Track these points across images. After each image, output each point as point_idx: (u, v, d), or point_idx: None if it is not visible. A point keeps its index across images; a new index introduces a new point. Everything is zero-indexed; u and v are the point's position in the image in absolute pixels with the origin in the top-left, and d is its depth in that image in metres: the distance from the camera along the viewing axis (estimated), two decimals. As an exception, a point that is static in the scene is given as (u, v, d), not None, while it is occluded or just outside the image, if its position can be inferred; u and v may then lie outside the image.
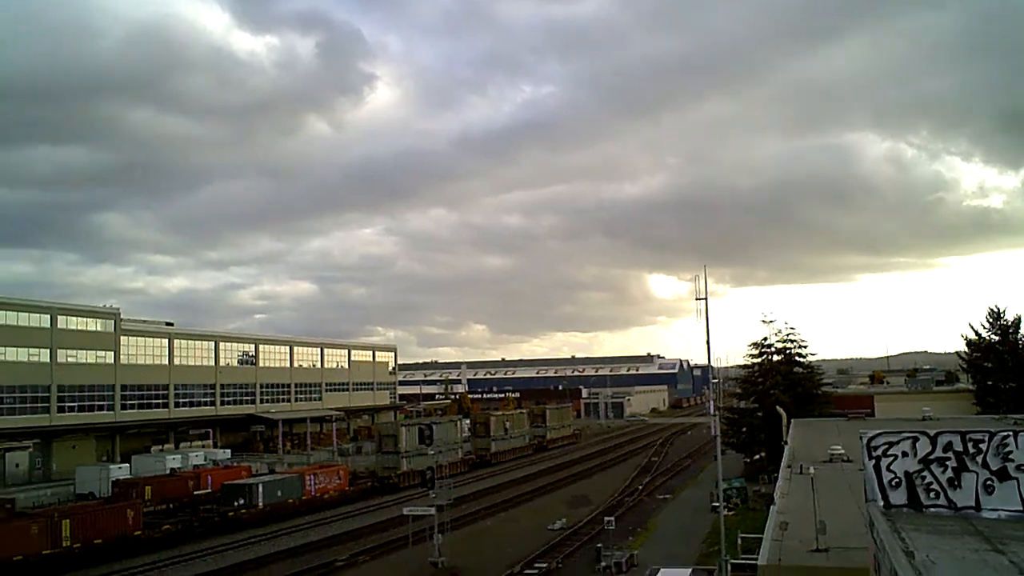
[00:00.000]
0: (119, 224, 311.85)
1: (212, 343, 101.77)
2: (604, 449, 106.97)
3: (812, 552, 20.65)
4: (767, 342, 72.44)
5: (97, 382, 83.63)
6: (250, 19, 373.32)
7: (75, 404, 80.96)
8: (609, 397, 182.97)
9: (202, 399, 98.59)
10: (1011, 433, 16.00)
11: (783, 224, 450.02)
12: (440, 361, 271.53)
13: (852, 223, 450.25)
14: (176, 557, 46.85)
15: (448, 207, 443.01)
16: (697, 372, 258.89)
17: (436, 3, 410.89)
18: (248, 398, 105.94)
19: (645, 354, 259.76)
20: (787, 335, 72.18)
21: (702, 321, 40.47)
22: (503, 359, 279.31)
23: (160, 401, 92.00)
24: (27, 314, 77.54)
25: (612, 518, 43.42)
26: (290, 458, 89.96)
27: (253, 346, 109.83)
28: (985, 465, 15.87)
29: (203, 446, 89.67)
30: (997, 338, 69.02)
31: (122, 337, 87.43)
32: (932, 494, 16.08)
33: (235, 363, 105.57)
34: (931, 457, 16.25)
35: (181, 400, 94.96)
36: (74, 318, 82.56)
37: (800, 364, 72.69)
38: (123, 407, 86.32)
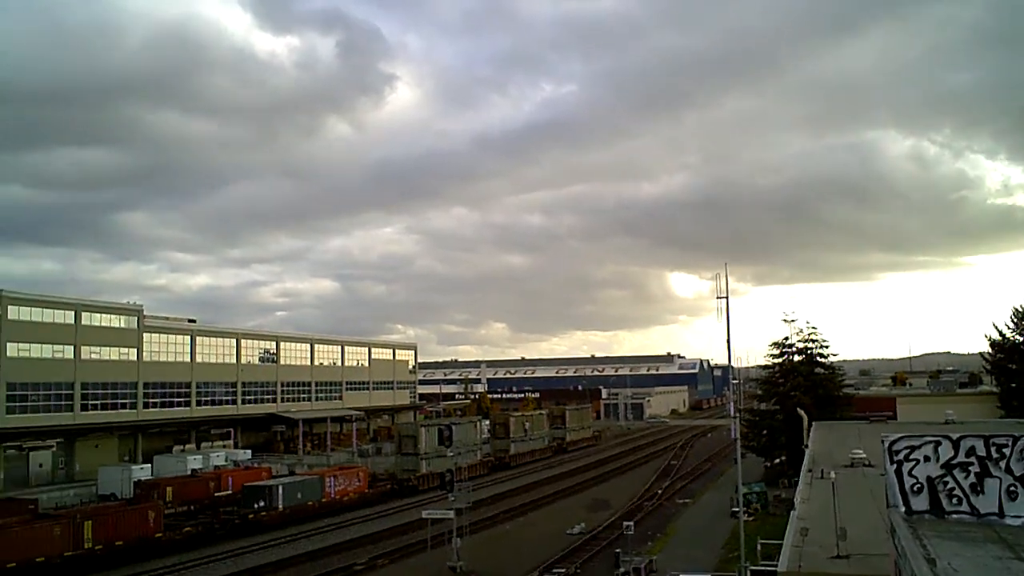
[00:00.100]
0: (143, 223, 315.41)
1: (233, 340, 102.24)
2: (624, 451, 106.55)
3: (833, 559, 20.38)
4: (788, 342, 71.76)
5: (120, 379, 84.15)
6: (271, 19, 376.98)
7: (98, 402, 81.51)
8: (629, 398, 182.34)
9: (223, 397, 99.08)
10: (1036, 438, 15.71)
11: (805, 222, 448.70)
12: (460, 360, 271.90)
13: (874, 221, 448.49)
14: (196, 559, 47.02)
15: (470, 206, 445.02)
16: (717, 372, 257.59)
17: (456, 1, 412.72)
18: (269, 397, 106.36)
19: (665, 354, 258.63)
20: (808, 335, 71.48)
21: (723, 320, 40.26)
22: (523, 358, 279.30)
23: (182, 399, 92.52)
24: (52, 310, 78.17)
25: (631, 523, 43.18)
26: (310, 459, 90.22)
27: (274, 343, 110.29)
28: (1009, 471, 15.59)
29: (224, 446, 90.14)
30: (1022, 339, 68.07)
31: (145, 334, 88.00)
32: (954, 500, 15.83)
33: (256, 361, 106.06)
34: (954, 462, 16.00)
35: (203, 398, 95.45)
36: (98, 314, 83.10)
37: (822, 365, 71.98)
38: (145, 405, 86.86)
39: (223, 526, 53.84)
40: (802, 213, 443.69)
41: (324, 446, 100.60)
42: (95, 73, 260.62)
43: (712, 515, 56.53)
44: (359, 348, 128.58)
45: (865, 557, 20.22)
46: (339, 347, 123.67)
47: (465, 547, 43.38)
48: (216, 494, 62.25)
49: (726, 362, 46.85)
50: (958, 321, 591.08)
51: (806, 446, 43.57)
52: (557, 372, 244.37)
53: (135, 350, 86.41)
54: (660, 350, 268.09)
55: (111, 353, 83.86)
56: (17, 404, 73.57)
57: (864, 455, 34.98)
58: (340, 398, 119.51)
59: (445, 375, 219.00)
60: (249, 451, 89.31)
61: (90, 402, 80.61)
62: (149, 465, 73.19)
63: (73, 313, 79.75)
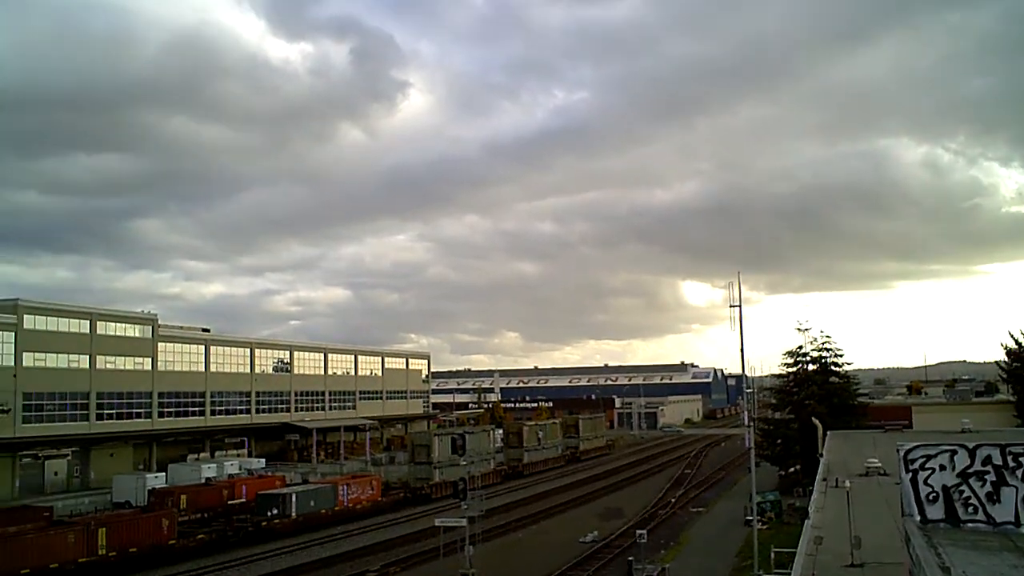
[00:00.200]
0: (157, 230, 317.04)
1: (247, 350, 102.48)
2: (637, 460, 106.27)
3: (847, 567, 20.25)
4: (802, 351, 71.50)
5: (135, 389, 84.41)
6: (285, 26, 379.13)
7: (113, 411, 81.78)
8: (643, 407, 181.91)
9: (238, 407, 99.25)
10: (1053, 447, 15.57)
11: (818, 230, 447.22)
12: (473, 369, 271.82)
13: (888, 229, 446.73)
14: (210, 566, 47.21)
15: (481, 213, 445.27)
16: (731, 382, 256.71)
17: (469, 8, 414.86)
18: (283, 406, 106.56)
19: (679, 363, 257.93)
20: (823, 344, 71.24)
21: (736, 329, 40.21)
22: (536, 367, 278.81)
23: (196, 409, 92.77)
24: (67, 319, 78.54)
25: (644, 531, 43.02)
26: (323, 468, 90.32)
27: (288, 353, 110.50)
28: (1025, 480, 15.47)
29: (238, 455, 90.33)
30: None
31: (159, 343, 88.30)
32: (970, 509, 15.68)
33: (270, 370, 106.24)
34: (970, 471, 15.85)
35: (217, 408, 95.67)
36: (113, 324, 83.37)
37: (836, 374, 71.65)
38: (160, 415, 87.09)
39: (236, 533, 54.01)
40: (815, 221, 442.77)
41: (337, 455, 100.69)
42: (110, 80, 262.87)
43: (726, 524, 56.31)
44: (372, 357, 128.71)
45: (880, 566, 20.10)
46: (352, 356, 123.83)
47: (477, 555, 43.29)
48: (230, 502, 62.42)
49: (740, 371, 46.74)
50: (974, 330, 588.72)
51: (821, 455, 43.38)
52: (570, 381, 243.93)
53: (150, 360, 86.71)
54: (673, 359, 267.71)
55: (126, 363, 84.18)
56: (33, 413, 73.90)
57: (879, 464, 34.79)
58: (353, 407, 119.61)
59: (458, 384, 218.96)
60: (263, 460, 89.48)
61: (105, 411, 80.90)
62: (163, 473, 73.45)
63: (88, 322, 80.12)
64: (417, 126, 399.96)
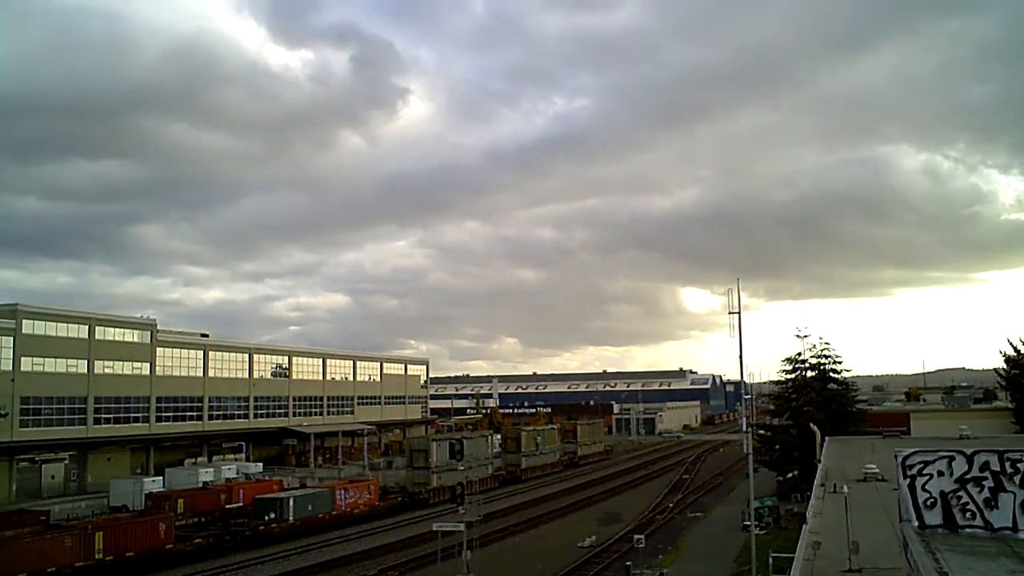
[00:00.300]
0: (156, 236, 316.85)
1: (246, 355, 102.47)
2: (635, 466, 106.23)
3: (845, 573, 20.28)
4: (801, 357, 71.60)
5: (133, 393, 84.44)
6: (285, 33, 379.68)
7: (111, 416, 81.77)
8: (641, 413, 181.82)
9: (236, 411, 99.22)
10: (1050, 453, 15.61)
11: (818, 237, 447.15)
12: (472, 375, 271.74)
13: (888, 236, 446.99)
14: (207, 570, 47.13)
15: (481, 220, 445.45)
16: (730, 388, 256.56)
17: (468, 16, 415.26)
18: (281, 411, 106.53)
19: (677, 369, 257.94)
20: (821, 350, 71.38)
21: (735, 335, 40.20)
22: (534, 373, 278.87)
23: (194, 413, 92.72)
24: (66, 324, 78.55)
25: (642, 536, 43.02)
26: (321, 472, 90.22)
27: (286, 358, 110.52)
28: (1023, 485, 15.50)
29: (236, 459, 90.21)
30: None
31: (158, 348, 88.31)
32: (968, 514, 15.72)
33: (268, 375, 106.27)
34: (967, 477, 15.90)
35: (215, 413, 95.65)
36: (111, 329, 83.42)
37: (835, 380, 71.76)
38: (158, 419, 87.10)
39: (234, 538, 53.93)
40: (815, 228, 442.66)
41: (335, 460, 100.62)
42: (110, 87, 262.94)
43: (724, 529, 56.28)
44: (371, 363, 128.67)
45: (877, 571, 20.12)
46: (351, 362, 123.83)
47: (475, 560, 43.20)
48: (227, 506, 62.28)
49: (738, 377, 46.72)
50: (972, 337, 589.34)
51: (819, 461, 43.39)
52: (569, 387, 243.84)
53: (148, 364, 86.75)
54: (672, 365, 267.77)
55: (124, 367, 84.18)
56: (31, 417, 73.91)
57: (877, 470, 34.83)
58: (352, 412, 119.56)
59: (457, 390, 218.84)
60: (261, 464, 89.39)
61: (103, 416, 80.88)
62: (161, 478, 73.36)
63: (87, 327, 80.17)
64: (417, 133, 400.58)
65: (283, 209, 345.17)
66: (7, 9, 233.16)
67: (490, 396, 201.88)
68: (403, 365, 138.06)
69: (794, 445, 67.09)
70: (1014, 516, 15.40)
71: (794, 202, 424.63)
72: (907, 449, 16.77)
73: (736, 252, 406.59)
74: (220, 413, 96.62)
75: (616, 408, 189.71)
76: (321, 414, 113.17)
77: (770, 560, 32.70)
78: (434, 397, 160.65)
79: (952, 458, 16.08)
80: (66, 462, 77.45)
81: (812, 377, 70.99)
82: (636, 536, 42.95)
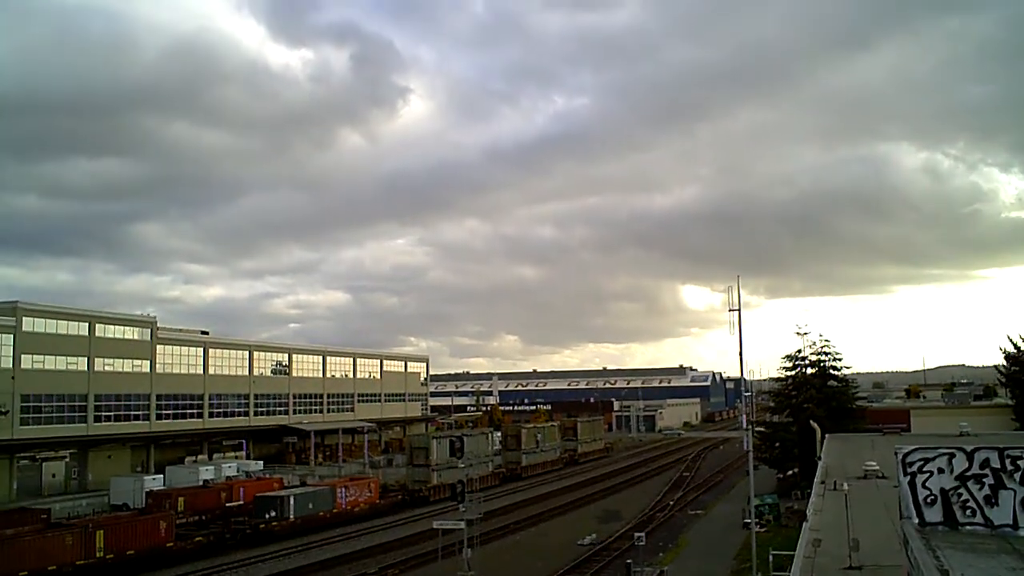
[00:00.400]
0: (157, 234, 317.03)
1: (246, 352, 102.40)
2: (635, 463, 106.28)
3: (845, 570, 20.25)
4: (801, 355, 71.57)
5: (133, 391, 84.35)
6: (285, 32, 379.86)
7: (111, 413, 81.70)
8: (641, 410, 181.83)
9: (236, 409, 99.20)
10: (1050, 450, 15.59)
11: (818, 235, 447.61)
12: (472, 372, 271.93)
13: (888, 234, 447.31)
14: (207, 569, 47.17)
15: (481, 218, 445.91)
16: (730, 385, 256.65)
17: (469, 15, 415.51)
18: (281, 408, 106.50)
19: (677, 366, 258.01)
20: (821, 347, 71.28)
21: (735, 333, 40.20)
22: (534, 370, 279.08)
23: (195, 411, 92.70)
24: (66, 322, 78.47)
25: (642, 534, 43.02)
26: (321, 470, 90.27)
27: (286, 355, 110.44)
28: (1023, 483, 15.48)
29: (236, 457, 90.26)
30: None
31: (158, 346, 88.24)
32: (968, 512, 15.69)
33: (269, 373, 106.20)
34: (968, 474, 15.86)
35: (215, 410, 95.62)
36: (112, 326, 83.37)
37: (835, 377, 71.72)
38: (158, 417, 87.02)
39: (234, 536, 53.97)
40: (815, 226, 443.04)
41: (336, 457, 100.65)
42: (111, 85, 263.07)
43: (724, 527, 56.31)
44: (371, 360, 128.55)
45: (878, 568, 20.09)
46: (351, 359, 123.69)
47: (476, 557, 43.25)
48: (227, 504, 62.33)
49: (738, 374, 46.75)
50: (972, 334, 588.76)
51: (819, 458, 43.38)
52: (569, 384, 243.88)
53: (148, 362, 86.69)
54: (672, 362, 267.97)
55: (124, 365, 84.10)
56: (31, 415, 73.82)
57: (877, 467, 34.79)
58: (352, 410, 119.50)
59: (457, 387, 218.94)
60: (261, 462, 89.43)
61: (103, 413, 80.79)
62: (161, 476, 73.38)
63: (87, 325, 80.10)
64: (417, 131, 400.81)
65: (283, 207, 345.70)
66: (8, 8, 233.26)
67: (490, 393, 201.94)
68: (403, 362, 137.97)
69: (794, 442, 67.05)
70: (1014, 513, 15.37)
71: (794, 200, 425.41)
72: (907, 446, 16.73)
73: (736, 250, 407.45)
74: (220, 411, 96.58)
75: (616, 405, 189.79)
76: (321, 412, 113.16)
77: (770, 558, 32.67)
78: (434, 394, 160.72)
79: (952, 455, 16.04)
80: (66, 460, 77.44)
81: (812, 374, 70.97)
82: (637, 534, 42.95)
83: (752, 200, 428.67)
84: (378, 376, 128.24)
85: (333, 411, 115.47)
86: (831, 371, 71.32)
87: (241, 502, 62.40)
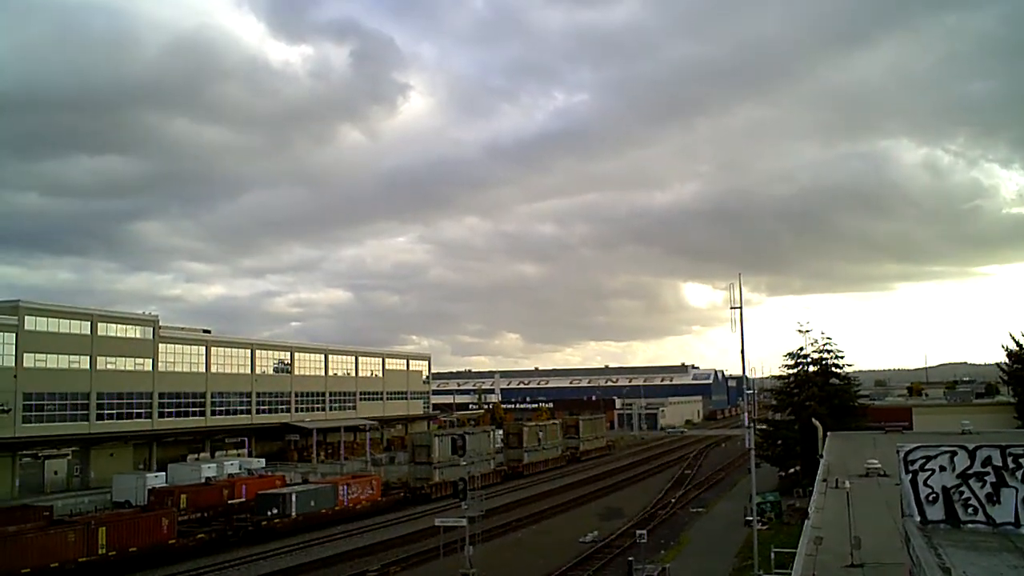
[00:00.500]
0: (158, 232, 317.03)
1: (248, 351, 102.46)
2: (637, 461, 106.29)
3: (847, 568, 20.27)
4: (803, 352, 71.52)
5: (135, 389, 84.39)
6: (285, 29, 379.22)
7: (113, 412, 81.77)
8: (643, 408, 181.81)
9: (238, 407, 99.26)
10: (1052, 448, 15.58)
11: (818, 232, 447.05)
12: (473, 370, 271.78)
13: (888, 231, 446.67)
14: (209, 566, 47.21)
15: (482, 215, 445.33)
16: (732, 383, 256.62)
17: (469, 11, 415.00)
18: (283, 407, 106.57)
19: (679, 364, 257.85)
20: (823, 345, 71.25)
21: (737, 331, 40.22)
22: (536, 368, 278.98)
23: (197, 409, 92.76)
24: (68, 321, 78.51)
25: (644, 531, 43.03)
26: (323, 468, 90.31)
27: (288, 354, 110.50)
28: (1025, 480, 15.47)
29: (239, 455, 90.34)
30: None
31: (160, 344, 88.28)
32: (970, 510, 15.70)
33: (271, 371, 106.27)
34: (970, 472, 15.87)
35: (217, 408, 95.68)
36: (114, 325, 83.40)
37: (836, 375, 71.68)
38: (160, 415, 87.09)
39: (236, 533, 54.04)
40: (815, 222, 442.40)
41: (338, 455, 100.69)
42: (112, 82, 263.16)
43: (726, 524, 56.30)
44: (373, 358, 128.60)
45: (879, 566, 20.11)
46: (353, 357, 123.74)
47: (478, 554, 43.30)
48: (230, 502, 62.42)
49: (740, 372, 46.75)
50: (974, 331, 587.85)
51: (821, 456, 43.39)
52: (571, 382, 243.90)
53: (150, 360, 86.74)
54: (674, 360, 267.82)
55: (127, 363, 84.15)
56: (33, 413, 73.91)
57: (879, 465, 34.81)
58: (354, 408, 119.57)
59: (459, 385, 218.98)
60: (263, 460, 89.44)
61: (105, 411, 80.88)
62: (163, 473, 73.43)
63: (89, 324, 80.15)
64: (418, 128, 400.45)
65: (284, 205, 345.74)
66: (9, 5, 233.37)
67: (492, 391, 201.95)
68: (405, 361, 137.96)
69: (796, 440, 67.06)
70: (1016, 511, 15.38)
71: (794, 197, 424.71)
72: (909, 444, 16.74)
73: (736, 247, 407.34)
74: (222, 409, 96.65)
75: (618, 403, 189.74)
76: (323, 410, 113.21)
77: (772, 555, 32.74)
78: (436, 393, 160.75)
79: (954, 453, 16.05)
80: (69, 458, 77.55)
81: (814, 372, 70.91)
82: (639, 531, 42.97)
83: (752, 197, 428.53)
84: (380, 374, 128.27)
85: (335, 409, 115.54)
86: (833, 369, 71.27)
87: (243, 499, 62.49)
